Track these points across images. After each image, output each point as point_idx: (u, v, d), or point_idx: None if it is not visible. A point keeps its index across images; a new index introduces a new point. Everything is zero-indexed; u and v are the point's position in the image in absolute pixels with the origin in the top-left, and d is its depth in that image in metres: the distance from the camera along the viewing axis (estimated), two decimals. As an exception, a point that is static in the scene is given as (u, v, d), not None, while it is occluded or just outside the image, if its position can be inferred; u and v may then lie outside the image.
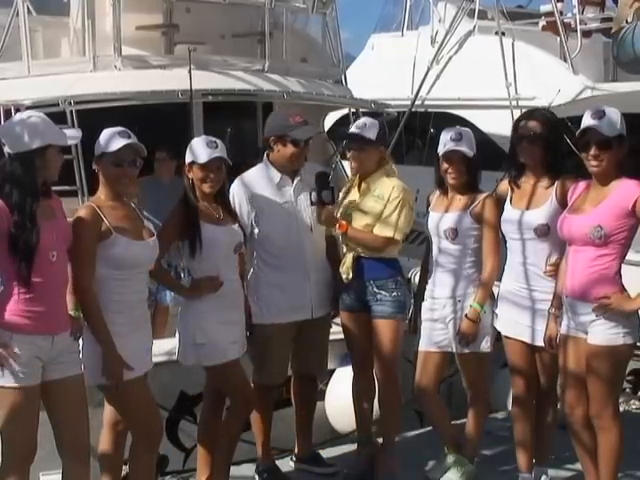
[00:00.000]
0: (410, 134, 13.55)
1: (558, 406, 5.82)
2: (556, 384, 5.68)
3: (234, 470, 6.05)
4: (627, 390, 10.18)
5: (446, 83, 12.62)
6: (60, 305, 4.87)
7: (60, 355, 4.81)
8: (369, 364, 6.13)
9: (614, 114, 5.21)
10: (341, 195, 6.15)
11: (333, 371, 7.31)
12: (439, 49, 12.80)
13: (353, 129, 6.07)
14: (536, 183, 5.65)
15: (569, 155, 5.70)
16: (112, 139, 5.08)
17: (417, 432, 7.08)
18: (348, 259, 6.03)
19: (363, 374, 6.21)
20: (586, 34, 13.64)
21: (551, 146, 5.58)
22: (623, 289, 5.18)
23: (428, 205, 6.07)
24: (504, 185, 5.86)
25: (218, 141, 5.62)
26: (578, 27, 13.37)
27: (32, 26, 9.51)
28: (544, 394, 5.84)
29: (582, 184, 5.36)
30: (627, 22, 12.89)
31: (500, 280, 5.86)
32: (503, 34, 12.93)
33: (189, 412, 7.26)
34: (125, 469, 5.57)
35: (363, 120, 6.11)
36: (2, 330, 4.65)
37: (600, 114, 5.16)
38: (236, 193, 5.96)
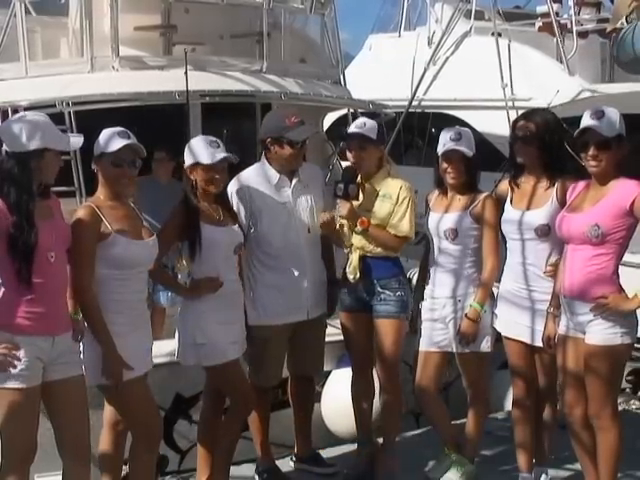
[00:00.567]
0: (408, 135, 13.56)
1: (558, 406, 5.82)
2: (556, 384, 5.67)
3: (234, 470, 6.05)
4: (627, 390, 10.22)
5: (443, 84, 12.65)
6: (60, 306, 4.86)
7: (61, 356, 4.80)
8: (368, 364, 6.14)
9: (613, 114, 5.21)
10: None
11: (329, 373, 7.31)
12: (436, 50, 12.83)
13: (353, 128, 6.07)
14: (536, 183, 5.65)
15: (570, 156, 5.70)
16: (111, 139, 5.07)
17: (417, 432, 7.10)
18: (354, 259, 6.02)
19: (362, 374, 6.22)
20: (583, 35, 13.64)
21: (546, 146, 5.58)
22: (621, 289, 5.18)
23: (427, 205, 6.08)
24: (504, 185, 5.87)
25: (218, 140, 5.63)
26: (574, 28, 13.38)
27: (31, 26, 9.49)
28: (544, 394, 5.85)
29: (581, 184, 5.37)
30: (626, 21, 12.89)
31: (499, 280, 5.87)
32: (499, 35, 12.96)
33: (185, 414, 7.27)
34: (125, 469, 5.56)
35: (362, 120, 6.10)
36: (2, 331, 4.63)
37: (599, 114, 5.17)
38: (234, 193, 5.93)
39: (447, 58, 12.95)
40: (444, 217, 5.88)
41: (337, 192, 5.87)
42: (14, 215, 4.60)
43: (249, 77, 9.46)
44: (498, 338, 5.92)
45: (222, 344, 5.59)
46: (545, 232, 5.56)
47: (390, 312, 5.98)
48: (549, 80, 13.11)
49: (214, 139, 5.62)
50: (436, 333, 5.97)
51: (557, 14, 13.68)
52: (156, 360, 5.49)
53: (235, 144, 5.77)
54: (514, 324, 5.74)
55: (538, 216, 5.58)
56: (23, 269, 4.62)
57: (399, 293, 5.99)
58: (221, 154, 5.54)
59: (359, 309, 6.06)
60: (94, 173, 5.21)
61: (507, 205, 5.75)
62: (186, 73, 8.28)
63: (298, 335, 6.07)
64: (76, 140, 4.99)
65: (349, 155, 6.06)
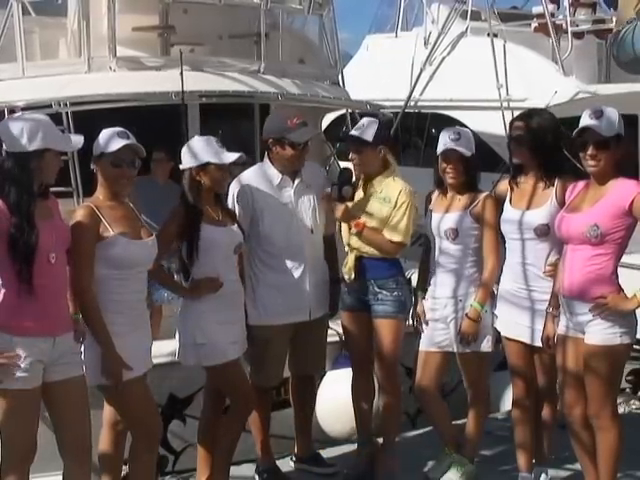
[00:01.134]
0: (406, 135, 13.57)
1: (557, 406, 5.83)
2: (555, 384, 5.68)
3: (234, 470, 6.04)
4: (627, 390, 10.22)
5: (439, 84, 12.66)
6: (61, 306, 4.86)
7: (61, 357, 4.80)
8: (369, 364, 6.14)
9: (612, 114, 5.22)
10: None
11: (323, 374, 7.29)
12: (432, 50, 12.84)
13: (353, 131, 6.08)
14: (535, 183, 5.66)
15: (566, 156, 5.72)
16: (111, 139, 5.07)
17: (417, 432, 7.10)
18: (350, 259, 6.05)
19: (363, 374, 6.22)
20: (578, 35, 13.66)
21: (538, 147, 5.59)
22: (620, 289, 5.19)
23: (427, 205, 6.08)
24: (503, 185, 5.88)
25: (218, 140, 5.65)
26: (569, 29, 13.39)
27: (29, 27, 9.48)
28: (543, 394, 5.86)
29: (581, 184, 5.37)
30: (627, 22, 12.94)
31: (499, 280, 5.87)
32: (495, 35, 12.98)
33: (179, 415, 7.26)
34: (125, 469, 5.56)
35: (363, 121, 6.10)
36: (2, 333, 4.63)
37: (598, 114, 5.17)
38: (236, 193, 5.95)
39: (443, 58, 12.96)
40: (445, 217, 5.89)
41: (333, 196, 5.87)
42: (14, 216, 4.59)
43: (247, 78, 9.45)
44: (499, 339, 5.93)
45: (222, 344, 5.59)
46: (544, 232, 5.56)
47: (388, 312, 5.99)
48: (544, 81, 13.11)
49: (216, 139, 5.63)
50: (437, 333, 5.98)
51: (552, 15, 13.68)
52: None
53: (233, 144, 5.75)
54: (514, 324, 5.75)
55: (537, 216, 5.59)
56: (24, 270, 4.61)
57: (396, 293, 5.99)
58: (235, 154, 5.56)
59: (359, 309, 6.07)
60: (93, 173, 5.20)
61: (506, 205, 5.76)
62: (181, 73, 8.28)
63: (300, 335, 6.07)
64: (77, 140, 4.99)
65: (350, 157, 6.09)
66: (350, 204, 6.00)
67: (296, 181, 6.00)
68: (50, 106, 8.34)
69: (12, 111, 8.04)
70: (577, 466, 5.74)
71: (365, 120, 6.11)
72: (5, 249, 4.60)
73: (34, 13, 9.80)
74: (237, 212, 5.89)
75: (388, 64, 14.56)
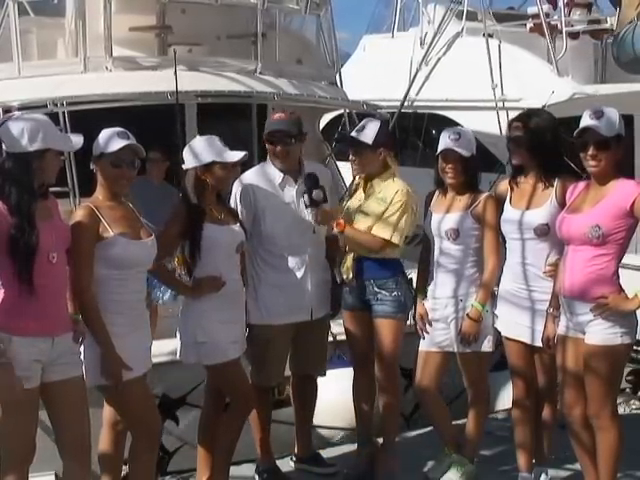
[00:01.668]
0: (403, 135, 13.58)
1: (557, 406, 5.83)
2: (556, 384, 5.68)
3: (234, 470, 6.04)
4: (627, 390, 10.23)
5: (435, 84, 12.66)
6: (60, 306, 4.86)
7: (60, 357, 4.79)
8: (370, 364, 6.12)
9: (613, 114, 5.22)
10: (347, 196, 6.19)
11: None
12: (427, 50, 12.84)
13: (353, 132, 6.08)
14: (535, 183, 5.66)
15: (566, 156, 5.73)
16: (111, 139, 5.07)
17: (417, 432, 7.10)
18: (348, 259, 6.05)
19: (363, 373, 6.21)
20: (574, 36, 13.68)
21: (536, 147, 5.59)
22: (621, 289, 5.19)
23: (427, 205, 6.07)
24: (503, 185, 5.88)
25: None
26: (564, 29, 13.41)
27: (26, 27, 9.49)
28: (544, 394, 5.86)
29: (581, 184, 5.38)
30: (629, 23, 12.97)
31: (499, 281, 5.87)
32: (491, 36, 12.99)
33: (171, 415, 7.25)
34: (125, 469, 5.57)
35: (363, 123, 6.09)
36: (2, 332, 4.61)
37: (599, 114, 5.18)
38: (238, 193, 5.96)
39: (439, 59, 12.98)
40: (445, 217, 5.88)
41: (305, 202, 5.83)
42: (15, 216, 4.59)
43: (243, 78, 9.47)
44: (499, 341, 5.93)
45: (223, 343, 5.59)
46: (544, 232, 5.56)
47: (387, 312, 5.99)
48: (539, 81, 13.14)
49: (218, 138, 5.64)
50: (437, 333, 5.98)
51: (547, 15, 13.69)
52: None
53: (231, 144, 5.75)
54: (514, 324, 5.75)
55: (537, 216, 5.59)
56: (24, 270, 4.61)
57: (395, 293, 5.99)
58: (240, 153, 5.58)
59: (360, 309, 6.07)
60: (90, 173, 5.19)
61: (506, 205, 5.76)
62: (175, 73, 8.29)
63: (301, 335, 6.07)
64: (77, 140, 4.97)
65: (350, 158, 6.09)
66: (355, 202, 6.02)
67: (299, 181, 6.00)
68: (45, 106, 8.33)
69: (7, 111, 8.03)
70: (577, 466, 5.73)
71: (365, 121, 6.10)
72: (5, 249, 4.59)
73: (33, 13, 9.79)
74: (239, 211, 5.90)
75: (385, 64, 14.59)
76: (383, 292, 5.99)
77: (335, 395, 6.93)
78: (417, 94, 12.29)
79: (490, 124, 12.10)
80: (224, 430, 5.81)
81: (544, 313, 5.55)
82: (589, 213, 5.18)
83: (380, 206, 5.95)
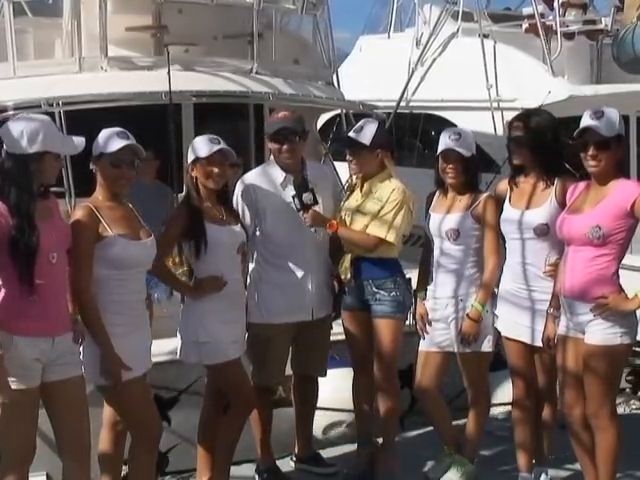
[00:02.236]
0: (399, 135, 13.59)
1: (558, 406, 5.83)
2: (556, 384, 5.68)
3: (234, 470, 6.04)
4: (627, 390, 10.24)
5: (431, 85, 12.67)
6: (61, 306, 4.86)
7: (60, 357, 4.79)
8: (369, 364, 6.11)
9: (613, 114, 5.22)
10: (344, 197, 6.17)
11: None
12: (423, 51, 12.86)
13: (351, 132, 6.07)
14: (535, 183, 5.66)
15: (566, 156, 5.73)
16: (111, 140, 5.06)
17: (417, 432, 7.09)
18: (346, 259, 6.04)
19: (363, 374, 6.20)
20: (569, 36, 13.68)
21: (538, 147, 5.59)
22: (621, 289, 5.19)
23: (428, 206, 6.07)
24: (503, 185, 5.88)
25: (219, 138, 5.65)
26: (558, 29, 13.41)
27: (22, 27, 9.50)
28: (544, 394, 5.86)
29: (582, 184, 5.37)
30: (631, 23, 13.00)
31: (499, 281, 5.87)
32: (486, 36, 13.01)
33: (163, 416, 7.24)
34: (125, 469, 5.56)
35: (361, 123, 6.08)
36: (2, 332, 4.60)
37: (599, 114, 5.18)
38: (239, 193, 5.97)
39: (435, 59, 12.99)
40: (446, 218, 5.88)
41: (296, 206, 5.83)
42: (15, 217, 4.59)
43: (239, 78, 9.49)
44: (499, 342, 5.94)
45: (224, 343, 5.60)
46: (544, 232, 5.56)
47: (386, 312, 5.98)
48: (533, 81, 13.14)
49: (215, 137, 5.64)
50: (437, 333, 5.98)
51: (543, 16, 13.71)
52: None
53: (229, 144, 5.76)
54: (514, 324, 5.75)
55: (537, 216, 5.59)
56: (24, 271, 4.60)
57: (394, 293, 5.98)
58: (217, 146, 5.56)
59: (360, 309, 6.06)
60: (87, 173, 5.19)
61: (506, 205, 5.75)
62: (169, 73, 8.32)
63: (302, 335, 6.07)
64: (79, 142, 4.95)
65: (347, 158, 6.09)
66: (346, 204, 6.03)
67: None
68: (39, 106, 8.33)
69: (3, 111, 8.04)
70: (577, 466, 5.73)
71: (364, 122, 6.09)
72: (6, 249, 4.58)
73: (31, 14, 9.79)
74: (241, 211, 5.91)
75: (381, 65, 14.58)
76: (382, 292, 5.98)
77: (329, 394, 6.91)
78: (413, 94, 12.32)
79: (485, 124, 12.12)
80: (225, 430, 5.81)
81: (544, 313, 5.54)
82: (590, 214, 5.18)
83: (376, 205, 5.94)
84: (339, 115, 11.16)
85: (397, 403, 6.18)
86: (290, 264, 5.97)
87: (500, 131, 12.34)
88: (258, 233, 5.96)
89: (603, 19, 14.08)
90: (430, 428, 6.48)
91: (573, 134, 5.23)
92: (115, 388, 5.03)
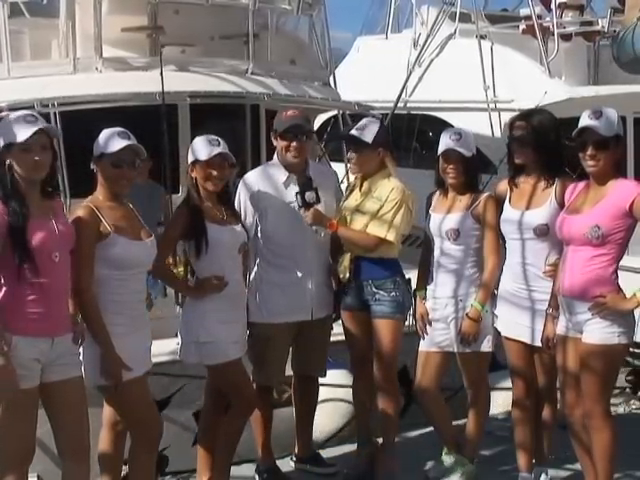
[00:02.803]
0: (397, 136, 13.60)
1: (558, 406, 5.83)
2: (555, 384, 5.68)
3: (234, 470, 6.03)
4: (627, 390, 10.24)
5: (428, 85, 12.68)
6: (62, 307, 4.84)
7: (60, 357, 4.77)
8: (369, 364, 6.10)
9: (612, 114, 5.22)
10: (344, 196, 6.17)
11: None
12: (420, 52, 12.87)
13: (353, 130, 6.07)
14: (535, 183, 5.66)
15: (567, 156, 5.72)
16: (112, 140, 5.06)
17: (417, 432, 7.07)
18: (345, 259, 6.03)
19: (363, 373, 6.20)
20: (566, 37, 13.70)
21: (541, 147, 5.59)
22: (619, 289, 5.19)
23: (428, 206, 6.07)
24: (503, 185, 5.87)
25: (220, 139, 5.64)
26: (555, 31, 13.44)
27: (18, 28, 9.49)
28: (544, 394, 5.86)
29: (581, 184, 5.38)
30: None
31: (499, 281, 5.87)
32: (483, 37, 13.02)
33: None
34: (125, 469, 5.55)
35: (363, 122, 6.08)
36: (3, 332, 4.57)
37: (598, 114, 5.18)
38: (241, 193, 5.98)
39: (432, 60, 13.01)
40: (446, 218, 5.88)
41: (298, 204, 5.84)
42: (9, 216, 4.57)
43: (235, 78, 9.50)
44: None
45: (224, 343, 5.59)
46: (544, 232, 5.56)
47: (385, 312, 5.97)
48: (530, 82, 13.16)
49: (215, 138, 5.64)
50: (437, 333, 5.97)
51: (540, 17, 13.73)
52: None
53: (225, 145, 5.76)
54: (514, 324, 5.74)
55: (537, 216, 5.58)
56: (26, 270, 4.59)
57: (393, 294, 5.97)
58: (217, 149, 5.55)
59: (359, 309, 6.05)
60: (85, 173, 5.17)
61: (506, 205, 5.75)
62: (161, 73, 8.36)
63: (303, 335, 6.07)
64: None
65: (349, 156, 6.10)
66: (345, 204, 6.04)
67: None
68: (33, 107, 8.31)
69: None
70: (577, 466, 5.73)
71: (366, 121, 6.10)
72: (7, 249, 4.56)
73: (29, 14, 9.78)
74: (242, 211, 5.91)
75: (378, 66, 14.61)
76: (381, 292, 5.98)
77: (325, 395, 6.92)
78: (410, 95, 12.32)
79: (483, 125, 12.13)
80: (225, 430, 5.80)
81: (544, 313, 5.54)
82: (589, 213, 5.18)
83: (376, 205, 5.94)
84: (333, 116, 11.15)
85: (397, 403, 6.18)
86: (290, 264, 5.96)
87: (497, 132, 12.37)
88: (259, 233, 5.96)
89: (600, 20, 14.10)
90: (430, 428, 6.48)
91: (570, 135, 5.23)
92: (115, 388, 5.02)
